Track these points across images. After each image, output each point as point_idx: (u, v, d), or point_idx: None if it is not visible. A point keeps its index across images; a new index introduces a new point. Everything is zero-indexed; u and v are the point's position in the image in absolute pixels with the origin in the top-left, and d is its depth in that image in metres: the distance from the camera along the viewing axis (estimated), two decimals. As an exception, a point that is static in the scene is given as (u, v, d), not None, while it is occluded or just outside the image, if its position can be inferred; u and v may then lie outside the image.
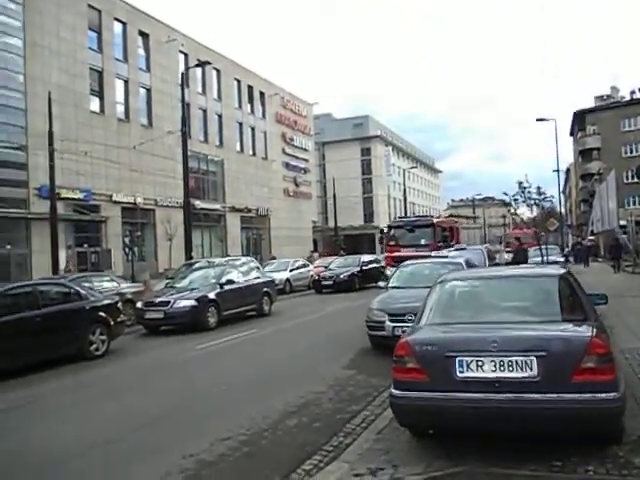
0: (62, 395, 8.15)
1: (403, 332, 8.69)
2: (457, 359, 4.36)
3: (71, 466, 5.16)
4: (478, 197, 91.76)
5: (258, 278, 17.05)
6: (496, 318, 4.98)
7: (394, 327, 9.18)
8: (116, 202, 34.82)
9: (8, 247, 28.70)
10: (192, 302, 13.67)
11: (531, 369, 4.21)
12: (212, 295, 14.22)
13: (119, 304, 11.75)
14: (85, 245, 32.91)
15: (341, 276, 23.69)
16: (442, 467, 4.44)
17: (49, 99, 23.70)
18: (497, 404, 4.21)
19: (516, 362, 4.24)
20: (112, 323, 11.05)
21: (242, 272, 16.71)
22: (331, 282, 23.38)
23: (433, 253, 19.29)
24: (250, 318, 15.51)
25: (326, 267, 25.93)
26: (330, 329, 13.21)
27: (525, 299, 5.38)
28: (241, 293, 15.28)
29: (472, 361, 4.33)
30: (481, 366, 4.31)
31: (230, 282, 15.11)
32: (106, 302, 11.40)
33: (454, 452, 4.64)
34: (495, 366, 4.28)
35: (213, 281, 15.01)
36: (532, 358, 4.21)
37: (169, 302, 13.73)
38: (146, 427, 6.25)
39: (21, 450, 5.76)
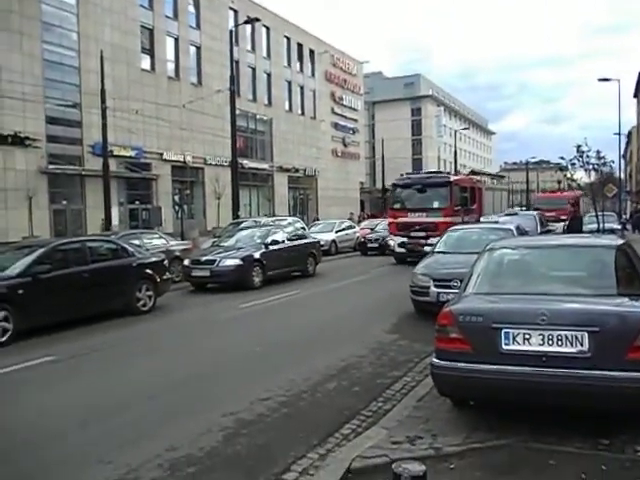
0: (108, 349, 8.41)
1: (448, 298, 8.64)
2: (503, 331, 4.20)
3: (112, 421, 5.31)
4: (532, 160, 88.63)
5: (303, 239, 17.09)
6: (546, 289, 4.76)
7: (439, 293, 9.02)
8: (166, 160, 35.32)
9: (64, 203, 29.68)
10: (237, 261, 13.83)
11: (582, 344, 4.02)
12: (257, 255, 14.35)
13: (165, 262, 11.99)
14: (136, 202, 33.69)
15: (387, 238, 23.47)
16: (482, 439, 4.34)
17: (101, 57, 23.94)
18: (544, 379, 4.05)
19: (566, 337, 4.05)
20: (158, 280, 11.30)
21: (287, 233, 16.74)
22: (377, 244, 23.16)
23: (448, 219, 17.11)
24: (295, 278, 15.60)
25: (372, 229, 25.70)
26: (374, 292, 13.14)
27: (579, 270, 5.13)
28: (286, 253, 15.35)
29: (519, 334, 4.17)
30: (528, 339, 4.14)
31: (275, 242, 15.20)
32: (153, 259, 11.65)
33: (495, 424, 4.54)
34: (543, 340, 4.10)
35: (259, 241, 15.13)
36: (584, 333, 4.01)
37: (215, 261, 13.89)
38: (187, 384, 6.38)
39: (65, 404, 5.97)
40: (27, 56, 27.42)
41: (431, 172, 21.58)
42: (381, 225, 26.14)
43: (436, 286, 9.15)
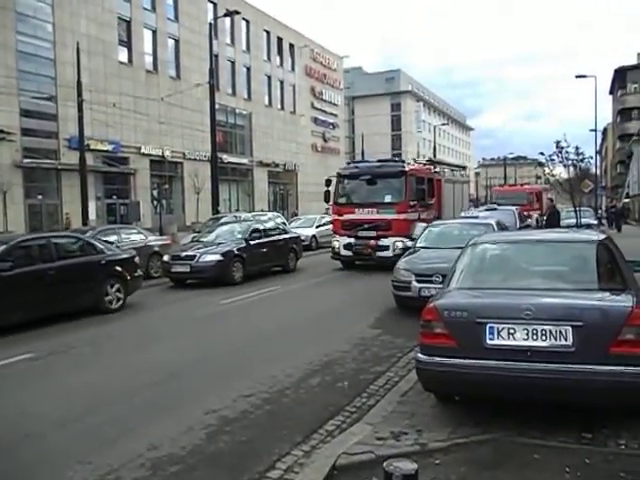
0: (86, 346, 8.25)
1: (430, 293, 8.66)
2: (487, 326, 4.19)
3: (92, 420, 5.20)
4: (510, 156, 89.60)
5: (284, 234, 16.93)
6: (530, 284, 4.78)
7: (420, 288, 9.04)
8: (144, 154, 34.92)
9: (40, 197, 29.16)
10: (217, 257, 13.66)
11: (566, 339, 4.03)
12: (238, 250, 14.21)
13: (136, 258, 11.66)
14: (114, 197, 33.26)
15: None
16: (467, 434, 4.34)
17: (77, 49, 23.52)
18: (528, 373, 4.05)
19: (550, 331, 4.07)
20: (128, 278, 11.06)
21: (268, 228, 16.64)
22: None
23: (402, 217, 15.12)
24: (276, 274, 15.52)
25: None
26: (356, 287, 13.14)
27: (561, 265, 5.15)
28: (267, 249, 15.27)
29: (503, 328, 4.17)
30: (513, 334, 4.14)
31: (256, 238, 15.11)
32: (123, 256, 11.33)
33: (480, 419, 4.54)
34: (528, 334, 4.11)
35: (239, 236, 14.98)
36: (567, 328, 4.02)
37: (195, 256, 13.72)
38: (167, 381, 6.28)
39: (43, 403, 5.84)
40: (0, 47, 26.81)
41: (383, 160, 17.62)
42: None
43: (418, 281, 9.16)
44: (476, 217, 12.91)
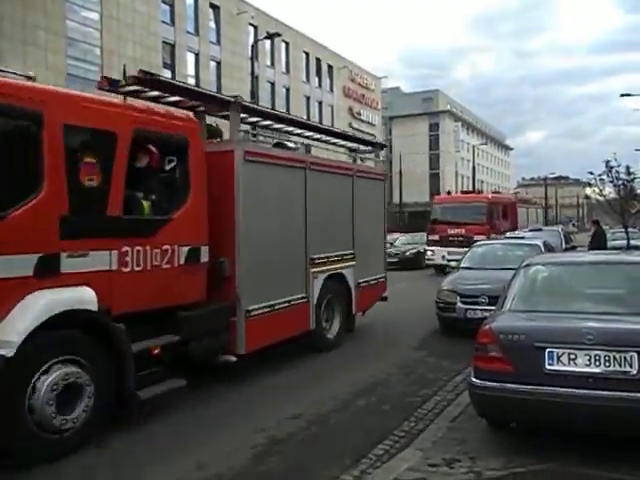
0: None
1: (476, 315, 8.48)
2: (547, 350, 4.04)
3: (138, 436, 5.21)
4: (551, 176, 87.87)
5: None
6: (586, 308, 4.61)
7: (466, 309, 8.86)
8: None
9: None
10: None
11: (631, 365, 3.85)
12: None
13: None
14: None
15: (407, 253, 23.22)
16: (524, 463, 4.17)
17: (124, 72, 24.11)
18: (590, 401, 3.88)
19: (614, 357, 3.89)
20: None
21: None
22: (396, 259, 22.90)
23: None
24: None
25: (391, 244, 25.47)
26: (397, 307, 12.89)
27: (617, 288, 4.97)
28: None
29: (564, 353, 4.01)
30: (574, 359, 3.98)
31: None
32: None
33: (536, 447, 4.37)
34: (590, 360, 3.94)
35: None
36: (633, 354, 3.84)
37: None
38: (214, 397, 6.25)
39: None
40: (52, 71, 27.85)
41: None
42: (400, 240, 25.92)
43: (463, 302, 8.98)
44: (522, 237, 12.62)
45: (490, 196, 21.47)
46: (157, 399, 5.31)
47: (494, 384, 4.20)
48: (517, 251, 10.24)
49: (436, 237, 20.13)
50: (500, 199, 22.71)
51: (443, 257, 18.80)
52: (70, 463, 4.52)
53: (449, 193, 23.56)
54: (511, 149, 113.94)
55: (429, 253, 20.33)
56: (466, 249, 15.06)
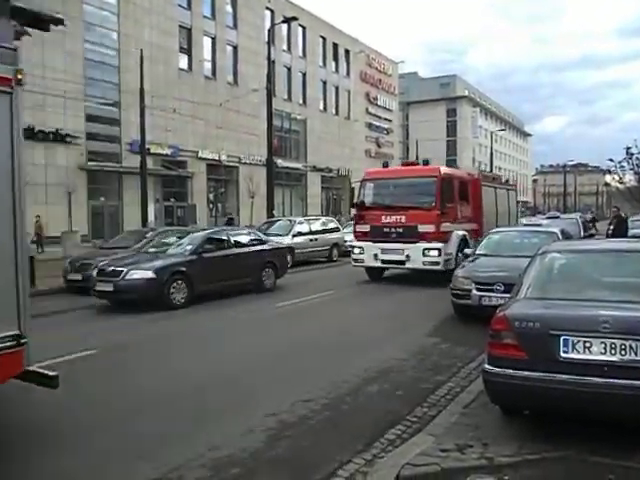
0: (143, 344, 8.43)
1: (490, 302, 8.43)
2: (562, 338, 4.00)
3: (153, 417, 5.30)
4: (570, 163, 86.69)
5: (257, 245, 13.81)
6: (603, 296, 4.55)
7: (481, 296, 8.81)
8: (202, 159, 35.66)
9: (102, 199, 30.22)
10: (149, 274, 10.94)
11: (647, 354, 3.80)
12: (182, 265, 11.49)
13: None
14: (172, 200, 34.10)
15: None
16: (537, 450, 4.15)
17: (141, 56, 24.25)
18: (605, 389, 3.84)
19: (630, 346, 3.84)
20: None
21: (234, 238, 13.28)
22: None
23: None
24: (243, 294, 12.54)
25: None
26: (409, 294, 12.87)
27: (635, 277, 4.88)
28: (228, 264, 12.35)
29: (579, 341, 3.97)
30: (589, 347, 3.94)
31: (211, 250, 12.24)
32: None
33: (549, 434, 4.34)
34: (605, 348, 3.90)
35: (189, 248, 12.04)
36: (649, 343, 3.79)
37: (121, 272, 11.02)
38: (227, 383, 6.32)
39: (105, 398, 5.97)
40: (69, 55, 27.98)
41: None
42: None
43: (478, 289, 8.92)
44: (538, 225, 12.48)
45: (442, 170, 14.52)
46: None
47: (508, 371, 4.17)
48: (533, 239, 10.16)
49: (365, 227, 14.56)
50: (457, 175, 15.69)
51: (375, 257, 14.11)
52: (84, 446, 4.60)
53: (386, 165, 16.86)
54: (530, 135, 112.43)
55: (356, 251, 14.57)
56: (408, 246, 13.44)
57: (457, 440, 4.41)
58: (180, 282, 11.29)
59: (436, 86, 77.74)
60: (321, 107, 48.47)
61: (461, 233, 14.30)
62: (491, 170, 55.56)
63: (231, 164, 37.93)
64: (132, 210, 28.06)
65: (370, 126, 55.15)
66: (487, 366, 4.35)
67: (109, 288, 11.00)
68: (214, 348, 8.10)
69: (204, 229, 14.15)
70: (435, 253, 13.30)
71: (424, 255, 13.37)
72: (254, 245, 13.62)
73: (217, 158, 36.41)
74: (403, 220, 13.76)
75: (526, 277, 4.99)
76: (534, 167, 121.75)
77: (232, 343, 8.40)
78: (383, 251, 13.98)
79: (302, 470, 4.12)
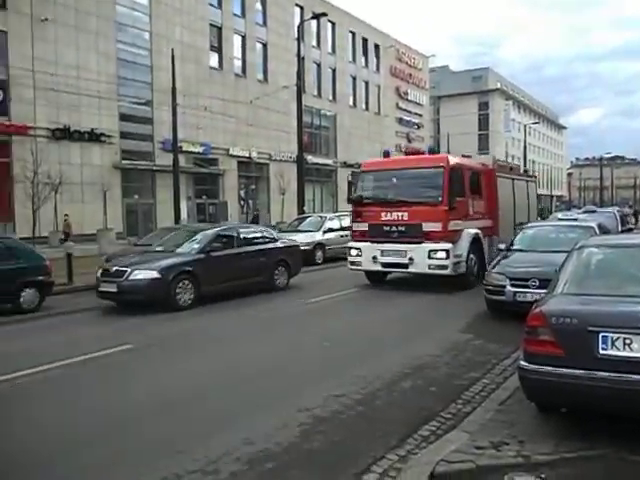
0: (176, 339, 8.56)
1: (525, 298, 8.31)
2: (600, 335, 3.92)
3: (188, 411, 5.37)
4: (607, 156, 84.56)
5: (270, 242, 13.38)
6: None
7: (515, 292, 8.68)
8: (232, 156, 35.96)
9: (136, 197, 30.76)
10: (153, 274, 10.53)
11: (690, 352, 3.69)
12: (188, 265, 11.05)
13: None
14: (204, 197, 34.48)
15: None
16: (575, 448, 4.08)
17: (172, 55, 24.56)
18: (646, 388, 3.75)
19: (672, 343, 3.74)
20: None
21: (245, 235, 12.84)
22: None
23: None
24: (257, 293, 12.20)
25: None
26: (437, 290, 12.69)
27: None
28: (239, 262, 12.00)
29: (618, 338, 3.88)
30: (629, 344, 3.85)
31: (220, 248, 11.77)
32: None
33: (586, 432, 4.26)
34: (646, 345, 3.80)
35: (195, 246, 11.60)
36: (693, 340, 3.68)
37: (125, 272, 10.65)
38: (261, 377, 6.38)
39: (141, 393, 6.08)
40: (102, 56, 28.51)
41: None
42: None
43: (512, 285, 8.79)
44: (575, 219, 12.22)
45: (451, 159, 12.63)
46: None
47: (544, 368, 4.11)
48: (570, 233, 9.94)
49: (363, 226, 12.90)
50: (468, 165, 13.59)
51: (374, 259, 12.55)
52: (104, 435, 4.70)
53: (386, 155, 14.28)
54: (564, 128, 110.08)
55: (352, 252, 13.03)
56: (411, 247, 11.92)
57: (492, 437, 4.37)
58: (186, 282, 10.88)
59: (468, 79, 76.70)
60: (351, 103, 48.34)
61: (473, 231, 12.61)
62: (525, 164, 54.54)
63: (261, 161, 38.15)
64: (165, 208, 28.48)
65: (400, 121, 54.77)
66: (523, 363, 4.29)
67: (113, 289, 10.67)
68: (239, 346, 8.13)
69: (214, 226, 13.46)
70: (442, 255, 11.70)
71: (429, 257, 11.78)
72: (266, 243, 13.14)
73: (248, 155, 36.67)
74: (405, 217, 12.16)
75: (563, 272, 4.90)
76: (569, 160, 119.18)
77: (255, 341, 8.42)
78: (383, 253, 12.42)
79: (336, 465, 4.13)
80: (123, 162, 29.64)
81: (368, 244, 12.64)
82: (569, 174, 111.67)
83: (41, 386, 6.32)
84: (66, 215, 24.45)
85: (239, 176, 37.11)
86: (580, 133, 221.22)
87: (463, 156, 14.55)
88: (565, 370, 4.01)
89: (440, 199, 11.90)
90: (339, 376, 6.22)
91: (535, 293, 7.91)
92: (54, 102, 26.11)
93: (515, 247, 10.37)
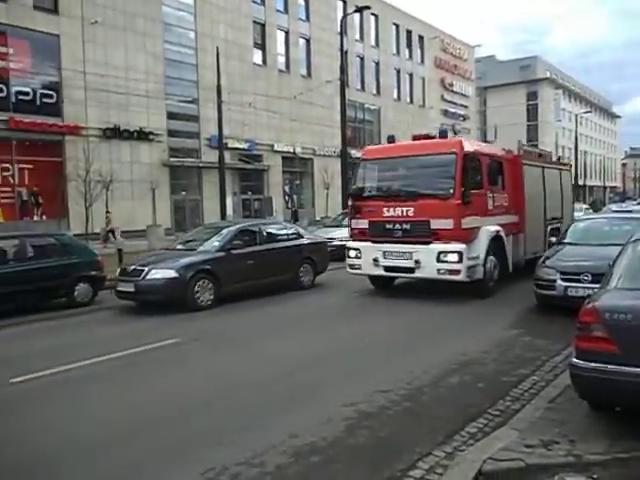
0: (221, 334, 8.69)
1: (577, 293, 8.07)
2: (657, 331, 3.76)
3: (235, 404, 5.45)
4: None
5: (294, 239, 12.89)
6: None
7: (567, 287, 8.44)
8: (277, 151, 36.22)
9: (183, 193, 31.40)
10: (171, 273, 10.23)
11: None
12: (207, 264, 10.68)
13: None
14: (249, 193, 34.90)
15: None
16: (628, 448, 3.94)
17: (217, 53, 24.89)
18: None
19: None
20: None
21: (269, 231, 12.56)
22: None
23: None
24: (280, 292, 11.78)
25: None
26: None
27: None
28: (261, 260, 11.54)
29: (676, 335, 3.72)
30: (687, 341, 3.68)
31: (241, 246, 11.38)
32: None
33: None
34: None
35: (216, 244, 11.23)
36: None
37: (142, 271, 10.41)
38: (305, 370, 6.42)
39: (189, 384, 6.20)
40: (150, 56, 29.16)
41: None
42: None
43: (563, 279, 8.54)
44: (629, 211, 11.77)
45: (465, 144, 10.67)
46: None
47: (598, 365, 3.98)
48: (625, 226, 9.59)
49: (363, 224, 11.27)
50: (487, 151, 11.74)
51: (376, 262, 10.96)
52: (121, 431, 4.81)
53: (391, 141, 12.02)
54: (618, 117, 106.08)
55: (351, 254, 11.46)
56: (417, 247, 10.31)
57: (542, 436, 4.26)
58: (205, 281, 10.48)
59: (515, 69, 74.79)
60: (395, 96, 47.91)
61: (493, 229, 10.86)
62: (576, 155, 52.84)
63: (305, 156, 38.28)
64: (211, 204, 28.96)
65: (446, 113, 53.93)
66: (575, 360, 4.17)
67: (130, 288, 10.39)
68: (270, 343, 8.04)
69: (237, 223, 13.10)
70: (454, 258, 10.00)
71: (439, 260, 10.10)
72: (290, 240, 12.63)
73: (292, 150, 36.86)
74: (411, 213, 10.44)
75: (617, 266, 4.73)
76: (623, 150, 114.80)
77: (291, 338, 8.41)
78: (385, 255, 10.84)
79: (381, 460, 4.11)
80: (171, 159, 30.28)
81: (368, 244, 11.10)
82: (623, 164, 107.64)
83: (107, 373, 6.54)
84: (108, 212, 25.03)
85: (283, 172, 37.36)
86: (635, 122, 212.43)
87: (484, 141, 13.67)
88: (619, 368, 3.88)
89: (452, 191, 10.08)
90: (383, 371, 6.20)
91: (587, 288, 7.67)
92: (104, 102, 26.89)
93: (566, 240, 10.08)
